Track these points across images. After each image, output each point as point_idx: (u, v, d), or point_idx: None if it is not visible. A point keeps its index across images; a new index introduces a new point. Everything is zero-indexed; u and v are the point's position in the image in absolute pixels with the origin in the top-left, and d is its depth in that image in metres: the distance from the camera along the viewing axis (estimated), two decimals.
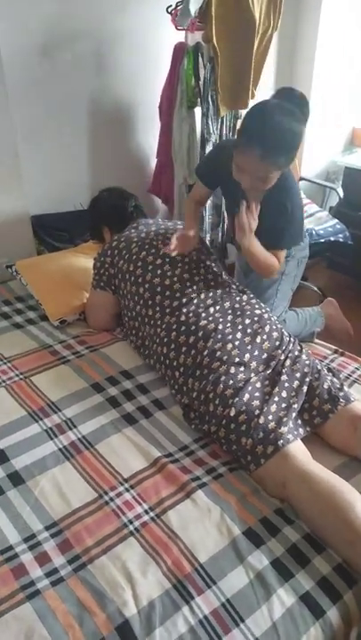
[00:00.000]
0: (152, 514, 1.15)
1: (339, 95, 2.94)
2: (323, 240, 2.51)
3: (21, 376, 1.57)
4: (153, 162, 2.50)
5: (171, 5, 2.08)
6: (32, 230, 2.19)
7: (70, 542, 1.10)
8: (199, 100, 2.22)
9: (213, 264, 1.71)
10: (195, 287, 1.57)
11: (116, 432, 1.37)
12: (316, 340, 1.83)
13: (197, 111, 2.28)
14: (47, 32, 2.00)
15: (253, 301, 1.60)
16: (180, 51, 2.17)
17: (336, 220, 2.65)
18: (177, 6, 2.07)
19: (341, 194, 2.72)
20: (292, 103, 1.39)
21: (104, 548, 1.08)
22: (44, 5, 1.95)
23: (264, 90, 2.29)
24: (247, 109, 1.51)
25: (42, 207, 2.25)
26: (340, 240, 2.57)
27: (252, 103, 2.32)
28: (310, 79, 2.76)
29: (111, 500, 1.18)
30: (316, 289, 2.75)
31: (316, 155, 3.03)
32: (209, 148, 2.22)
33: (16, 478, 1.24)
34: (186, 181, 2.39)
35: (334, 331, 1.99)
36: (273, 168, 1.41)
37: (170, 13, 2.09)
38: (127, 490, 1.21)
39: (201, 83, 2.16)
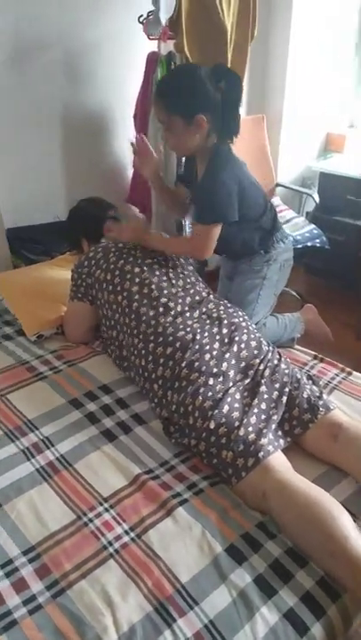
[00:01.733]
0: (132, 534, 1.12)
1: (312, 101, 2.96)
2: (300, 246, 2.52)
3: None
4: (130, 171, 2.49)
5: (142, 15, 2.07)
6: (7, 243, 2.15)
7: (48, 567, 1.06)
8: None
9: (192, 273, 1.70)
10: (172, 296, 1.56)
11: (94, 449, 1.34)
12: (296, 346, 1.82)
13: None
14: (15, 40, 1.97)
15: (231, 310, 1.59)
16: (152, 60, 2.16)
17: (313, 226, 2.66)
18: (148, 16, 2.07)
19: (317, 199, 2.74)
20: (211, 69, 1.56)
21: (83, 572, 1.05)
22: (9, 13, 1.93)
23: None
24: None
25: (16, 219, 2.21)
26: (318, 245, 2.58)
27: None
28: (283, 86, 2.78)
29: (90, 521, 1.15)
30: (295, 294, 2.76)
31: (292, 161, 3.05)
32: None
33: None
34: None
35: (314, 336, 1.99)
36: (160, 109, 1.58)
37: (142, 23, 2.08)
38: (107, 510, 1.18)
39: None
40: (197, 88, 1.54)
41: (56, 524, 1.15)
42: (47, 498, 1.22)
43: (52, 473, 1.28)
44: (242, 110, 2.78)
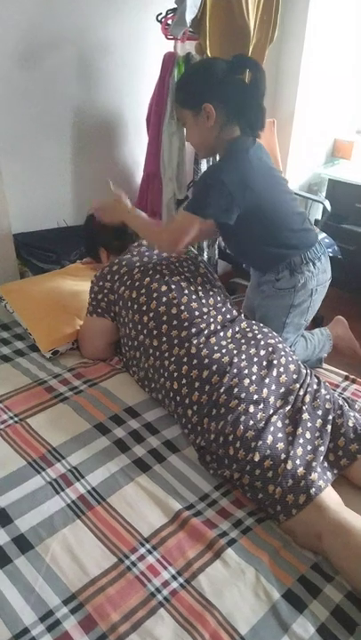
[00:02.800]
0: (181, 579, 1.05)
1: (321, 106, 2.91)
2: None
3: (16, 418, 1.43)
4: (139, 175, 2.39)
5: (161, 13, 1.97)
6: (15, 250, 2.04)
7: (94, 618, 0.98)
8: None
9: (220, 290, 1.63)
10: (205, 317, 1.48)
11: (128, 481, 1.26)
12: (325, 366, 1.76)
13: None
14: (26, 38, 1.85)
15: (265, 330, 1.51)
16: (169, 61, 2.06)
17: (324, 234, 2.61)
18: (167, 15, 1.97)
19: (329, 207, 2.69)
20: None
21: (133, 623, 0.97)
22: (22, 10, 1.80)
23: None
24: None
25: (22, 225, 2.10)
26: (330, 255, 2.52)
27: None
28: (295, 91, 2.72)
29: (133, 564, 1.07)
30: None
31: (299, 167, 2.99)
32: (204, 165, 2.13)
33: (23, 543, 1.11)
34: (175, 196, 2.29)
35: (341, 350, 1.92)
36: (175, 105, 1.64)
37: (160, 22, 1.98)
38: (149, 552, 1.10)
39: None
40: (205, 78, 1.50)
41: (96, 569, 1.07)
42: (82, 538, 1.13)
43: (84, 509, 1.19)
44: None
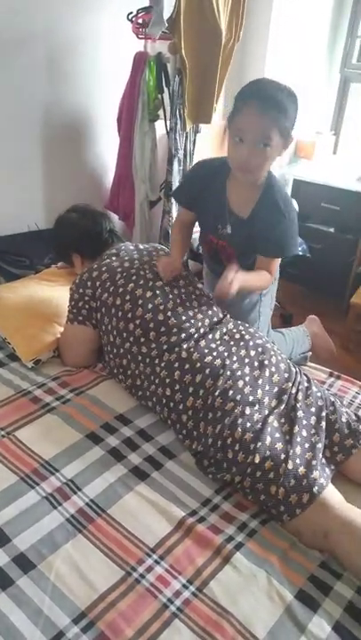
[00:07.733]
0: (192, 588, 1.03)
1: None
2: None
3: (3, 432, 1.37)
4: (109, 176, 2.35)
5: (131, 12, 1.95)
6: None
7: (107, 636, 0.95)
8: (161, 112, 2.11)
9: (203, 291, 1.62)
10: (192, 321, 1.46)
11: (128, 491, 1.23)
12: (309, 363, 1.79)
13: (157, 125, 2.17)
14: None
15: (252, 330, 1.52)
16: (140, 60, 2.04)
17: None
18: (138, 13, 1.95)
19: (297, 207, 2.73)
20: None
21: (148, 637, 0.95)
22: None
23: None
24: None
25: None
26: (300, 254, 2.58)
27: (214, 117, 2.28)
28: None
29: (142, 576, 1.05)
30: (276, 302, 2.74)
31: None
32: (176, 165, 2.12)
33: (24, 562, 1.06)
34: (147, 197, 2.27)
35: (318, 349, 1.97)
36: (272, 124, 1.34)
37: (130, 21, 1.96)
38: (157, 562, 1.08)
39: (166, 95, 2.05)
40: (295, 106, 1.41)
41: (104, 584, 1.03)
42: (86, 552, 1.09)
43: (85, 522, 1.15)
44: (219, 113, 2.76)
